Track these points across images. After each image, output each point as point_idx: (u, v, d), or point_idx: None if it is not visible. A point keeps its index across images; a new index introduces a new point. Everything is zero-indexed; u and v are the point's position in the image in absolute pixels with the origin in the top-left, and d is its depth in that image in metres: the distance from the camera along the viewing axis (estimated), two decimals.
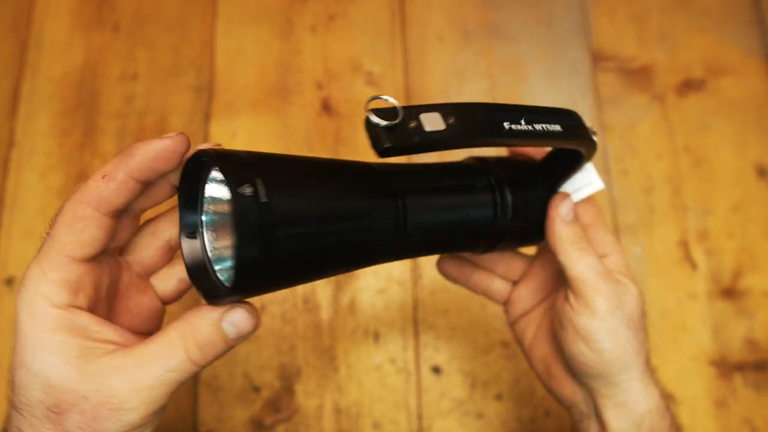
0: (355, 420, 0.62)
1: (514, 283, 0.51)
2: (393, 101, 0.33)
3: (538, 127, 0.37)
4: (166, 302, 0.40)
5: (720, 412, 0.63)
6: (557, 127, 0.38)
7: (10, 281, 0.66)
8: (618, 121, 0.72)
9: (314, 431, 0.62)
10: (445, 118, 0.34)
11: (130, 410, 0.32)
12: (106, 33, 0.74)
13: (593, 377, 0.43)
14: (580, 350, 0.43)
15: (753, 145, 0.71)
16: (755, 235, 0.68)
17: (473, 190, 0.42)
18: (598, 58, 0.74)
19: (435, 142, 0.33)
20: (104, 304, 0.36)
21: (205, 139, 0.70)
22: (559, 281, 0.47)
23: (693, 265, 0.67)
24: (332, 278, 0.65)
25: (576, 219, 0.44)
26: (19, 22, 0.74)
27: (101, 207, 0.33)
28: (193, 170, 0.34)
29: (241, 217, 0.30)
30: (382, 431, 0.62)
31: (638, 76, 0.73)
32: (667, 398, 0.45)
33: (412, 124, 0.33)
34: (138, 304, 0.38)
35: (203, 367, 0.34)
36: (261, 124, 0.70)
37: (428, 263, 0.66)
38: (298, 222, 0.32)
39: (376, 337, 0.64)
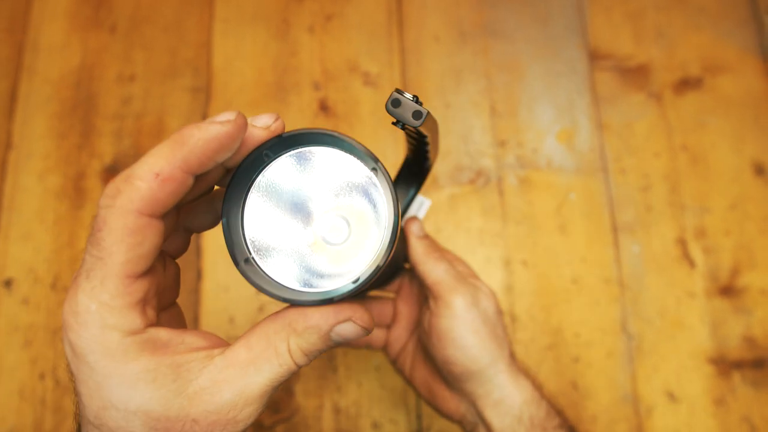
0: (355, 420, 0.62)
1: (388, 327, 0.54)
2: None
3: None
4: (174, 256, 0.35)
5: (719, 410, 0.63)
6: None
7: (8, 283, 0.65)
8: (615, 120, 0.72)
9: (314, 431, 0.62)
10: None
11: (242, 421, 0.30)
12: (102, 34, 0.74)
13: (465, 378, 0.46)
14: (447, 352, 0.46)
15: (750, 143, 0.71)
16: (753, 232, 0.68)
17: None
18: (594, 57, 0.74)
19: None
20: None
21: None
22: (424, 305, 0.51)
23: (691, 263, 0.67)
24: None
25: (426, 235, 0.49)
26: (16, 24, 0.74)
27: (157, 212, 0.28)
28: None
29: (393, 226, 0.30)
30: (382, 431, 0.62)
31: (635, 74, 0.73)
32: (540, 388, 0.48)
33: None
34: (167, 277, 0.34)
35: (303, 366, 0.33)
36: None
37: None
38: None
39: None
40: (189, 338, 0.30)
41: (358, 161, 0.32)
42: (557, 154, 0.70)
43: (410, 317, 0.53)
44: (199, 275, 0.65)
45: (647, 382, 0.64)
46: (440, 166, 0.69)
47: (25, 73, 0.72)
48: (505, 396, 0.46)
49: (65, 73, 0.72)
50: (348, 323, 0.32)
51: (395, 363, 0.54)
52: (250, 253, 0.32)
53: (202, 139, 0.28)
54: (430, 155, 0.48)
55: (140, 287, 0.29)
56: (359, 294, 0.44)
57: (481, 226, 0.68)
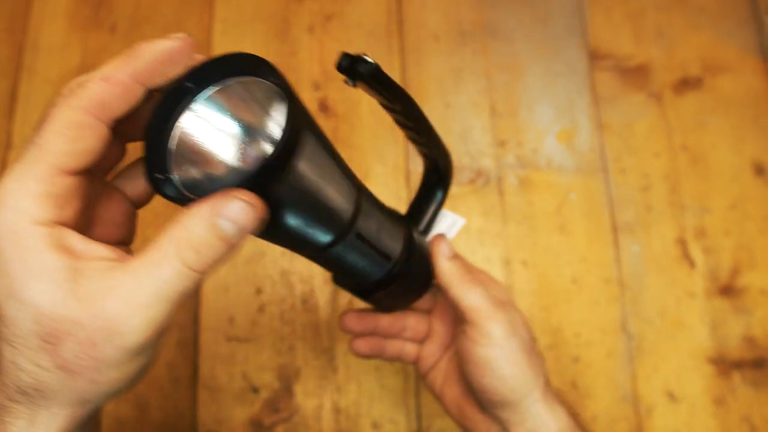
0: (354, 420, 0.62)
1: (421, 342, 0.53)
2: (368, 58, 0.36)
3: None
4: (137, 205, 0.36)
5: (719, 410, 0.63)
6: None
7: None
8: (615, 120, 0.72)
9: (314, 431, 0.62)
10: None
11: (128, 333, 0.28)
12: (103, 34, 0.74)
13: (501, 406, 0.45)
14: (485, 381, 0.44)
15: (750, 143, 0.71)
16: (753, 232, 0.68)
17: (397, 221, 0.45)
18: (594, 57, 0.74)
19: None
20: (83, 218, 0.32)
21: None
22: (458, 327, 0.49)
23: (691, 263, 0.67)
24: (331, 278, 0.65)
25: (457, 255, 0.47)
26: (16, 24, 0.74)
27: (102, 114, 0.29)
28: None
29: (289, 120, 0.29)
30: (382, 431, 0.62)
31: (635, 74, 0.73)
32: (576, 416, 0.46)
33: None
34: (109, 210, 0.34)
35: (204, 273, 0.29)
36: None
37: None
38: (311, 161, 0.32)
39: None
40: (99, 249, 0.30)
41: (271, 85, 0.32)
42: (557, 154, 0.70)
43: (444, 335, 0.52)
44: None
45: (647, 382, 0.64)
46: None
47: (25, 73, 0.72)
48: (539, 425, 0.44)
49: (65, 73, 0.72)
50: (234, 201, 0.28)
51: (425, 378, 0.53)
52: (168, 172, 0.31)
53: (151, 50, 0.29)
54: (425, 144, 0.46)
55: (67, 184, 0.29)
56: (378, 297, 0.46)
57: (480, 226, 0.68)
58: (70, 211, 0.30)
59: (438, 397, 0.52)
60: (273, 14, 0.75)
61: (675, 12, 0.76)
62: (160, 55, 0.30)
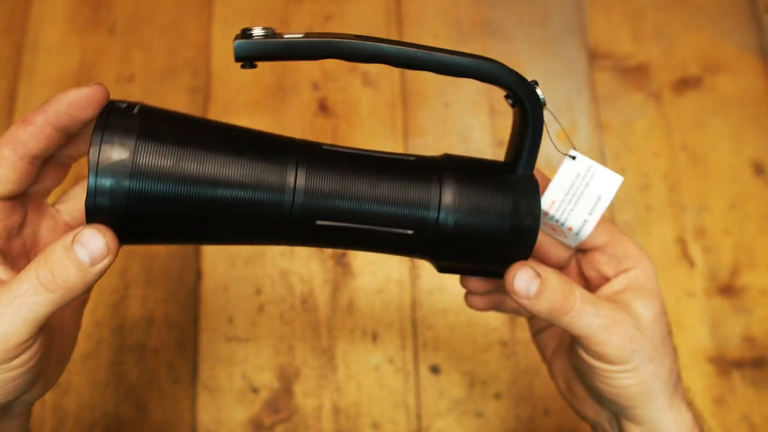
0: (354, 420, 0.62)
1: None
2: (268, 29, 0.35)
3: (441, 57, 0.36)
4: (74, 225, 0.40)
5: (718, 410, 0.63)
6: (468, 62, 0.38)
7: None
8: (615, 120, 0.72)
9: (313, 431, 0.62)
10: (308, 35, 0.35)
11: None
12: (101, 35, 0.74)
13: (617, 406, 0.41)
14: (599, 385, 0.40)
15: (749, 143, 0.71)
16: (752, 232, 0.68)
17: (404, 180, 0.37)
18: (594, 57, 0.74)
19: (292, 44, 0.35)
20: (19, 245, 0.37)
21: None
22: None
23: (690, 263, 0.67)
24: (330, 278, 0.65)
25: (545, 283, 0.38)
26: (15, 24, 0.74)
27: (18, 150, 0.35)
28: (101, 118, 0.34)
29: (99, 160, 0.32)
30: (381, 431, 0.62)
31: (634, 74, 0.73)
32: (701, 419, 0.42)
33: (272, 37, 0.35)
34: (44, 228, 0.38)
35: (57, 295, 0.32)
36: (258, 125, 0.70)
37: (426, 263, 0.66)
38: (153, 177, 0.33)
39: (375, 337, 0.64)
40: None
41: None
42: (557, 154, 0.70)
43: None
44: (198, 276, 0.65)
45: None
46: None
47: (24, 73, 0.72)
48: (658, 429, 0.40)
49: (64, 73, 0.72)
50: (88, 229, 0.33)
51: (535, 338, 0.49)
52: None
53: (62, 97, 0.34)
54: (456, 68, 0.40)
55: None
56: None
57: None
58: None
59: (546, 363, 0.48)
60: (272, 14, 0.75)
61: (674, 11, 0.76)
62: (69, 101, 0.35)
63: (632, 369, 0.39)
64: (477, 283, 0.47)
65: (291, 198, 0.35)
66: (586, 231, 0.41)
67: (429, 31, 0.74)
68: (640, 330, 0.39)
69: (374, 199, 0.37)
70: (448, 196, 0.37)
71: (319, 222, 0.36)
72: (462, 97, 0.72)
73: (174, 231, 0.36)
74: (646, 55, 0.74)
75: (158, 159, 0.33)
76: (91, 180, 0.33)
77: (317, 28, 0.74)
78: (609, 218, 0.68)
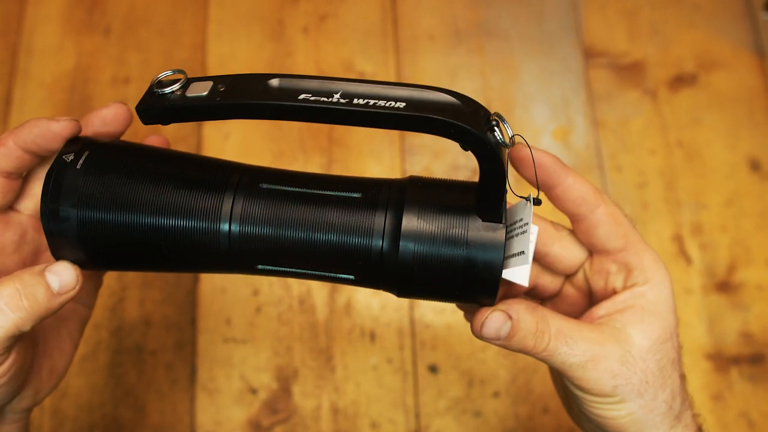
0: (353, 420, 0.62)
1: (547, 300, 0.45)
2: (182, 73, 0.34)
3: (373, 103, 0.32)
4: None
5: (716, 406, 0.63)
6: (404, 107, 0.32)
7: None
8: (611, 117, 0.72)
9: (312, 431, 0.62)
10: (216, 86, 0.33)
11: None
12: (97, 37, 0.74)
13: None
14: (587, 411, 0.39)
15: (745, 139, 0.71)
16: (749, 228, 0.68)
17: (344, 205, 0.36)
18: (589, 55, 0.74)
19: (194, 107, 0.33)
20: (19, 261, 0.40)
21: (198, 143, 0.69)
22: (589, 304, 0.42)
23: (687, 260, 0.67)
24: None
25: (516, 326, 0.36)
26: (10, 27, 0.74)
27: None
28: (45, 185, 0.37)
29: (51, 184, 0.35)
30: (380, 431, 0.62)
31: (630, 71, 0.74)
32: None
33: (179, 92, 0.34)
34: (8, 236, 0.40)
35: (23, 321, 0.34)
36: (253, 127, 0.70)
37: None
38: (96, 207, 0.35)
39: (373, 337, 0.64)
40: None
41: None
42: (553, 152, 0.70)
43: (576, 305, 0.43)
44: (196, 277, 0.65)
45: None
46: (436, 166, 0.69)
47: (20, 76, 0.72)
48: None
49: (60, 76, 0.72)
50: (62, 261, 0.36)
51: None
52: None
53: (32, 126, 0.37)
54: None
55: None
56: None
57: None
58: None
59: (550, 369, 0.46)
60: (268, 15, 0.75)
61: (669, 9, 0.76)
62: (38, 131, 0.37)
63: (618, 401, 0.37)
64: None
65: (228, 229, 0.36)
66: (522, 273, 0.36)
67: (424, 31, 0.74)
68: (627, 363, 0.36)
69: (312, 243, 0.35)
70: (392, 230, 0.35)
71: (259, 266, 0.37)
72: None
73: (129, 257, 0.38)
74: (641, 52, 0.74)
75: (98, 204, 0.36)
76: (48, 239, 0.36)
77: (313, 29, 0.74)
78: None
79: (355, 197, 0.36)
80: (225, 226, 0.35)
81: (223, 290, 0.65)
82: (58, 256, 0.37)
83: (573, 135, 0.71)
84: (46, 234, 0.36)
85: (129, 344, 0.63)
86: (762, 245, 0.67)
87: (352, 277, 0.36)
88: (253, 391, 0.62)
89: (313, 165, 0.69)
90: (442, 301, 0.38)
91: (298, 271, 0.37)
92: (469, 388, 0.63)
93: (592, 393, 0.37)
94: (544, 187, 0.40)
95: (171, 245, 0.36)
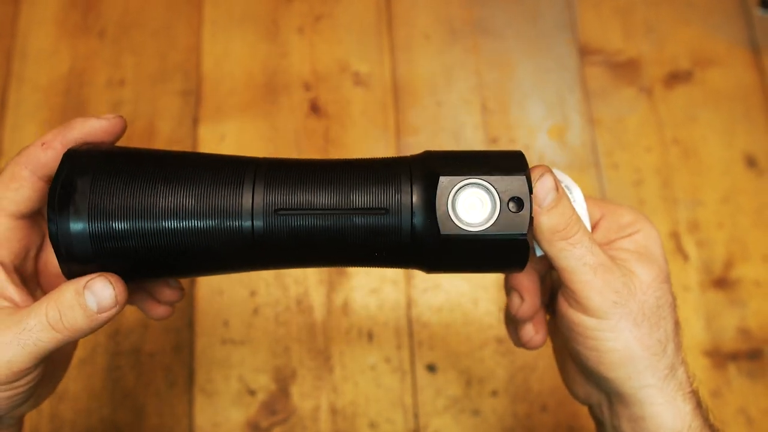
0: (351, 420, 0.62)
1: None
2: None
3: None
4: None
5: (715, 402, 0.63)
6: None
7: None
8: (606, 115, 0.72)
9: None
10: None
11: None
12: (91, 40, 0.74)
13: (601, 381, 0.39)
14: (578, 348, 0.38)
15: (741, 136, 0.71)
16: (745, 224, 0.68)
17: (371, 183, 0.35)
18: (584, 53, 0.74)
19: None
20: (32, 264, 0.39)
21: (194, 144, 0.69)
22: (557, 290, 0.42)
23: (684, 257, 0.67)
24: (325, 279, 0.65)
25: (560, 198, 0.36)
26: (4, 30, 0.74)
27: (37, 171, 0.36)
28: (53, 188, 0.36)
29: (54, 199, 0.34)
30: (379, 431, 0.62)
31: (625, 69, 0.74)
32: (705, 412, 0.39)
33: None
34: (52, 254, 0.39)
35: (63, 335, 0.34)
36: (249, 127, 0.70)
37: None
38: (106, 219, 0.34)
39: (370, 336, 0.64)
40: (12, 290, 0.36)
41: None
42: (549, 150, 0.70)
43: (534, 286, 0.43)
44: (193, 279, 0.65)
45: None
46: None
47: (14, 80, 0.72)
48: (648, 416, 0.37)
49: (55, 79, 0.72)
50: (99, 278, 0.34)
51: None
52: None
53: (81, 125, 0.36)
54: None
55: (5, 224, 0.36)
56: None
57: None
58: (6, 250, 0.36)
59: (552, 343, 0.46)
60: (262, 16, 0.75)
61: (664, 6, 0.76)
62: (88, 130, 0.36)
63: (612, 328, 0.36)
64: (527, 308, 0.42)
65: (250, 219, 0.34)
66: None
67: (419, 30, 0.74)
68: (629, 288, 0.37)
69: (337, 199, 0.34)
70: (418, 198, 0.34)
71: (281, 212, 0.34)
72: (454, 95, 0.72)
73: (149, 266, 0.36)
74: (636, 50, 0.74)
75: (110, 206, 0.34)
76: (53, 244, 0.34)
77: (308, 29, 0.74)
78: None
79: (380, 210, 0.35)
80: (247, 223, 0.34)
81: (220, 292, 0.65)
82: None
83: (569, 133, 0.71)
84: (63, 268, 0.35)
85: (127, 347, 0.63)
86: (758, 241, 0.67)
87: (383, 255, 0.36)
88: (252, 393, 0.62)
89: None
90: (471, 272, 0.38)
91: (328, 255, 0.36)
92: (467, 387, 0.63)
93: (592, 309, 0.37)
94: None
95: (199, 247, 0.35)
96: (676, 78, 0.73)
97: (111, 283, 0.34)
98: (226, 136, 0.70)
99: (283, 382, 0.63)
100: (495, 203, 0.34)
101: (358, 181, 0.34)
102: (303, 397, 0.62)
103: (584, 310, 0.37)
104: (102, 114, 0.38)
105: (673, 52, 0.74)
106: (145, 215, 0.34)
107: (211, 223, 0.34)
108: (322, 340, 0.64)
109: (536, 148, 0.70)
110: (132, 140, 0.69)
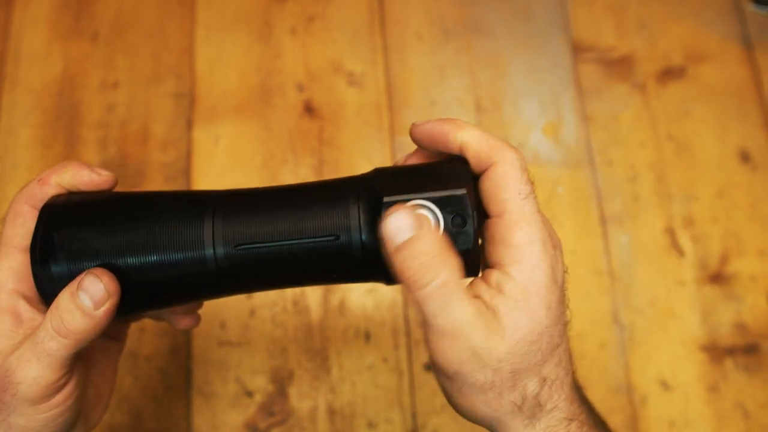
0: (350, 420, 0.62)
1: None
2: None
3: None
4: None
5: (712, 397, 0.63)
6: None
7: None
8: (600, 112, 0.72)
9: None
10: None
11: (19, 384, 0.36)
12: (84, 42, 0.74)
13: None
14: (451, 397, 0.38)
15: (734, 130, 0.71)
16: (740, 219, 0.68)
17: (325, 202, 0.36)
18: (578, 50, 0.74)
19: None
20: None
21: (188, 147, 0.69)
22: None
23: (680, 252, 0.67)
24: None
25: (417, 240, 0.33)
26: None
27: (36, 205, 0.39)
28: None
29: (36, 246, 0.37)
30: (377, 431, 0.62)
31: (618, 65, 0.74)
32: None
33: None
34: None
35: (70, 340, 0.35)
36: (243, 129, 0.70)
37: None
38: (75, 258, 0.37)
39: (368, 336, 0.64)
40: (38, 318, 0.38)
41: None
42: (543, 148, 0.70)
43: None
44: None
45: (640, 372, 0.64)
46: None
47: (7, 83, 0.72)
48: None
49: (48, 82, 0.72)
50: (88, 275, 0.36)
51: None
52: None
53: (73, 172, 0.39)
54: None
55: (23, 259, 0.38)
56: None
57: None
58: (28, 284, 0.38)
59: None
60: (255, 17, 0.75)
61: (656, 3, 0.76)
62: (79, 180, 0.39)
63: (458, 390, 0.36)
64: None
65: (212, 251, 0.37)
66: None
67: (412, 30, 0.74)
68: (479, 358, 0.34)
69: (293, 228, 0.36)
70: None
71: (239, 248, 0.36)
72: (448, 94, 0.72)
73: (130, 302, 0.38)
74: (629, 46, 0.74)
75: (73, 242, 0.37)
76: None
77: (301, 30, 0.74)
78: (597, 211, 0.69)
79: (330, 239, 0.36)
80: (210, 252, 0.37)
81: None
82: None
83: (563, 130, 0.71)
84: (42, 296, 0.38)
85: (123, 351, 0.63)
86: (753, 236, 0.68)
87: (342, 276, 0.38)
88: (249, 394, 0.62)
89: (303, 166, 0.69)
90: None
91: (290, 279, 0.39)
92: None
93: (436, 368, 0.35)
94: (444, 155, 0.38)
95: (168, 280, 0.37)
96: (669, 74, 0.73)
97: (98, 277, 0.36)
98: (220, 138, 0.70)
99: (281, 384, 0.63)
100: (438, 221, 0.34)
101: (308, 209, 0.36)
102: (301, 397, 0.62)
103: (433, 362, 0.35)
104: (94, 160, 0.41)
105: (665, 48, 0.74)
106: (113, 256, 0.37)
107: (175, 257, 0.37)
108: (319, 340, 0.64)
109: (530, 146, 0.70)
110: (126, 144, 0.69)
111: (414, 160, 0.39)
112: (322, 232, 0.36)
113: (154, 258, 0.36)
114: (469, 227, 0.34)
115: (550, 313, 0.34)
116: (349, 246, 0.36)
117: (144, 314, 0.47)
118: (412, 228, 0.33)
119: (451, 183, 0.35)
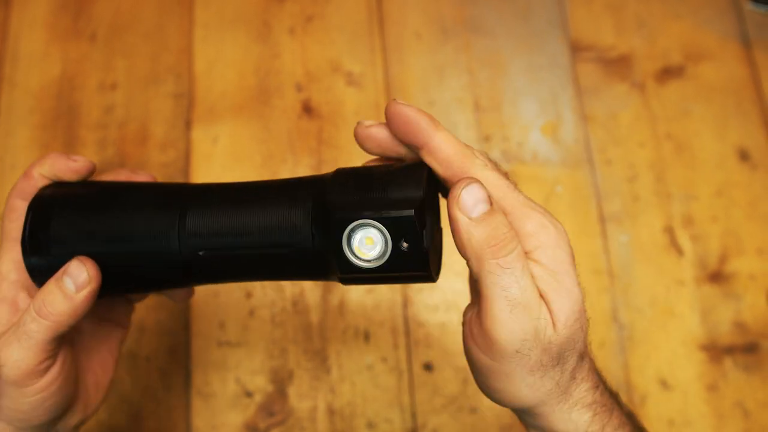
0: (349, 420, 0.62)
1: None
2: None
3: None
4: None
5: (712, 396, 0.63)
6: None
7: None
8: (599, 111, 0.72)
9: None
10: None
11: (2, 366, 0.37)
12: (82, 43, 0.73)
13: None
14: (473, 374, 0.38)
15: (734, 129, 0.71)
16: (739, 218, 0.68)
17: (283, 204, 0.38)
18: (576, 49, 0.74)
19: None
20: None
21: (187, 146, 0.69)
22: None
23: (679, 251, 0.67)
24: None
25: (493, 212, 0.33)
26: None
27: (27, 198, 0.41)
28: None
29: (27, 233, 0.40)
30: (377, 431, 0.62)
31: (617, 65, 0.74)
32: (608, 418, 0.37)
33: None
34: None
35: (53, 323, 0.37)
36: (242, 129, 0.70)
37: None
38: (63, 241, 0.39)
39: (367, 336, 0.64)
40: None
41: None
42: (542, 147, 0.70)
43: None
44: None
45: (640, 371, 0.64)
46: None
47: (5, 84, 0.72)
48: (542, 426, 0.37)
49: (46, 83, 0.72)
50: (73, 261, 0.38)
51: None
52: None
53: (52, 162, 0.41)
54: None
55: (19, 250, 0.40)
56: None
57: None
58: (28, 275, 0.40)
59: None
60: (253, 17, 0.75)
61: (654, 1, 0.76)
62: (57, 168, 0.41)
63: (507, 372, 0.35)
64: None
65: (177, 239, 0.39)
66: None
67: (411, 29, 0.74)
68: (538, 334, 0.34)
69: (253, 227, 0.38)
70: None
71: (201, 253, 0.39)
72: (447, 93, 0.72)
73: (111, 284, 0.40)
74: (628, 45, 0.74)
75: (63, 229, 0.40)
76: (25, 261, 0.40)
77: (299, 30, 0.74)
78: (596, 210, 0.69)
79: (285, 246, 0.38)
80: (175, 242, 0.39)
81: (215, 294, 0.65)
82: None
83: (562, 130, 0.71)
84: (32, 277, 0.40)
85: (123, 351, 0.63)
86: (753, 235, 0.68)
87: (303, 275, 0.41)
88: (249, 395, 0.62)
89: (302, 166, 0.69)
90: (382, 283, 0.38)
91: (256, 276, 0.41)
92: (464, 385, 0.63)
93: (491, 351, 0.34)
94: (412, 147, 0.38)
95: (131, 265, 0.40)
96: (668, 73, 0.73)
97: (82, 263, 0.38)
98: (219, 139, 0.70)
99: (281, 384, 0.63)
100: (386, 242, 0.34)
101: (267, 210, 0.38)
102: (300, 398, 0.62)
103: (483, 348, 0.35)
104: (80, 149, 0.43)
105: (664, 46, 0.74)
106: (93, 245, 0.39)
107: (145, 248, 0.39)
108: (319, 340, 0.64)
109: (529, 145, 0.70)
110: (125, 144, 0.69)
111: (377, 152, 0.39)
112: (277, 238, 0.37)
113: (127, 247, 0.39)
114: (420, 249, 0.34)
115: (580, 288, 0.35)
116: (304, 253, 0.37)
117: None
118: (486, 200, 0.33)
119: (403, 199, 0.35)
